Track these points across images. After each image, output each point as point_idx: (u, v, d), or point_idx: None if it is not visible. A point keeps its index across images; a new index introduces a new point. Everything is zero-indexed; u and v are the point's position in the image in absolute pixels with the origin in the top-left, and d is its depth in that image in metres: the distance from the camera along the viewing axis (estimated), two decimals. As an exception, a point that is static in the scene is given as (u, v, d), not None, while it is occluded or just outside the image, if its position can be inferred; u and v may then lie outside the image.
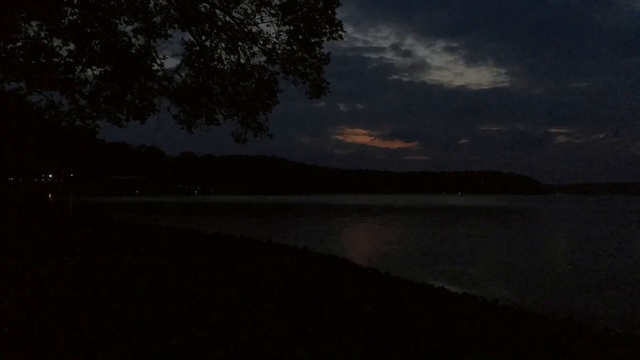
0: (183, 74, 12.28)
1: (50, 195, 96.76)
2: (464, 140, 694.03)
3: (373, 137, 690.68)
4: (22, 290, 5.76)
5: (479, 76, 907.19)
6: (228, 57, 12.54)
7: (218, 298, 6.16)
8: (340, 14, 11.53)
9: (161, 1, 11.46)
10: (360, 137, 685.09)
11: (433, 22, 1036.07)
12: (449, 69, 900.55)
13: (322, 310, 6.06)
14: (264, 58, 12.47)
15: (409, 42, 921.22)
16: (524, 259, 20.32)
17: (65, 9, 9.79)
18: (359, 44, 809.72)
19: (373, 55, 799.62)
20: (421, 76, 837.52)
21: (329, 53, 12.12)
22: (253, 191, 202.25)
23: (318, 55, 11.99)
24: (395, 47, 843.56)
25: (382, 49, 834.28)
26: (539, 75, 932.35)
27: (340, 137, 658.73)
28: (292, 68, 12.19)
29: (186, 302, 5.76)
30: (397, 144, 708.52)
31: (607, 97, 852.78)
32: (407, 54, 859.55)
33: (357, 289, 9.13)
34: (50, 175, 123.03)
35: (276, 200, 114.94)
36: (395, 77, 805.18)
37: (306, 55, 11.96)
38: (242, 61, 12.56)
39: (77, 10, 10.04)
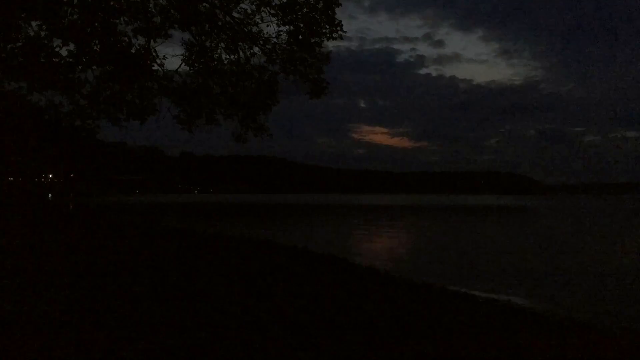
0: (183, 74, 12.27)
1: (50, 195, 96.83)
2: (490, 141, 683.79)
3: (392, 136, 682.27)
4: (22, 289, 5.76)
5: (512, 70, 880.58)
6: (228, 57, 12.53)
7: (218, 298, 6.16)
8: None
9: (161, 1, 11.45)
10: (378, 135, 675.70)
11: (476, 7, 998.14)
12: (481, 61, 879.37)
13: (322, 310, 6.06)
14: (264, 58, 12.47)
15: (444, 30, 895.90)
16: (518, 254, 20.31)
17: (65, 9, 9.78)
18: (391, 34, 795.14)
19: (404, 47, 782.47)
20: (451, 70, 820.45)
21: (329, 53, 12.11)
22: (253, 190, 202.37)
23: (318, 55, 11.99)
24: (428, 37, 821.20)
25: (414, 39, 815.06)
26: (573, 70, 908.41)
27: (356, 136, 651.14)
28: (292, 68, 12.18)
29: (186, 302, 5.77)
30: (416, 143, 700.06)
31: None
32: (439, 44, 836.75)
33: (357, 288, 9.13)
34: (50, 175, 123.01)
35: (276, 200, 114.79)
36: (424, 70, 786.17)
37: (306, 55, 11.96)
38: (242, 61, 12.56)
39: (77, 10, 10.02)
